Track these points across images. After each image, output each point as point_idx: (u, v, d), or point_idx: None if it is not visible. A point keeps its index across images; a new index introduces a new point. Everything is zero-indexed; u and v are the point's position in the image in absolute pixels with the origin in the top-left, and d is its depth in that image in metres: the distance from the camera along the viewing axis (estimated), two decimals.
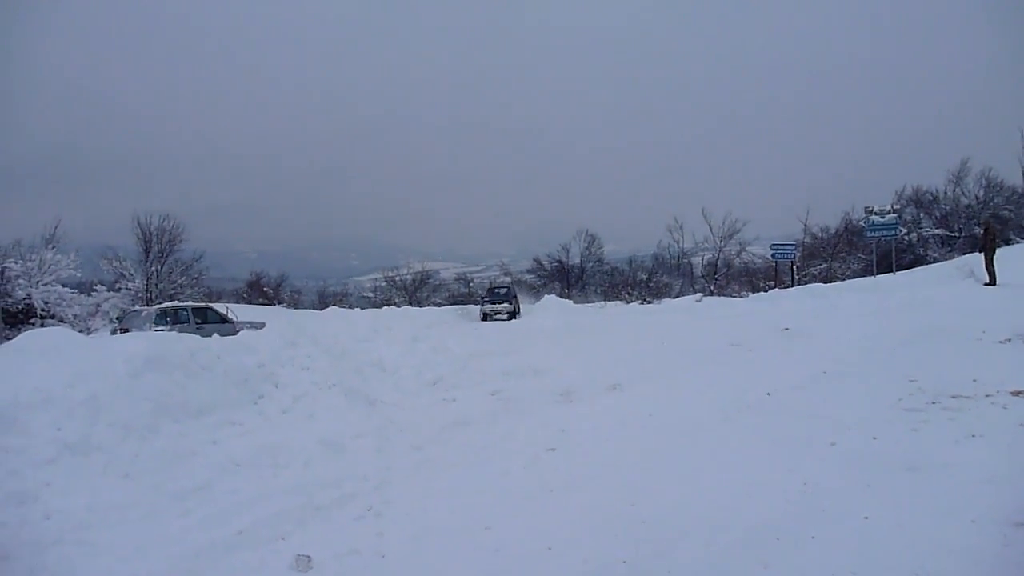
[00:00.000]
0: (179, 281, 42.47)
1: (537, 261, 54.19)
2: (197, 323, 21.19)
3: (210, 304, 26.04)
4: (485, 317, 29.60)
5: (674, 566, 4.05)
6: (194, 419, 7.40)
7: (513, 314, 30.14)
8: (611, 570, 4.07)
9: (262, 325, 13.72)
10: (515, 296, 32.64)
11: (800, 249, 42.78)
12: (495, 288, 36.19)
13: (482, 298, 32.77)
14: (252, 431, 7.44)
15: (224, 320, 22.65)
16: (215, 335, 9.65)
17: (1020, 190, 50.24)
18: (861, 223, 28.93)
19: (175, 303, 25.07)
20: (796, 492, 5.00)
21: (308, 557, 4.54)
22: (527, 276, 55.45)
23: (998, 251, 20.35)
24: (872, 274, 27.37)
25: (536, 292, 45.04)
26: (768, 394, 8.08)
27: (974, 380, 7.69)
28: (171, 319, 21.14)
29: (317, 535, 4.99)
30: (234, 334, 12.27)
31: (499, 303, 30.77)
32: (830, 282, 30.04)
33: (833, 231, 48.18)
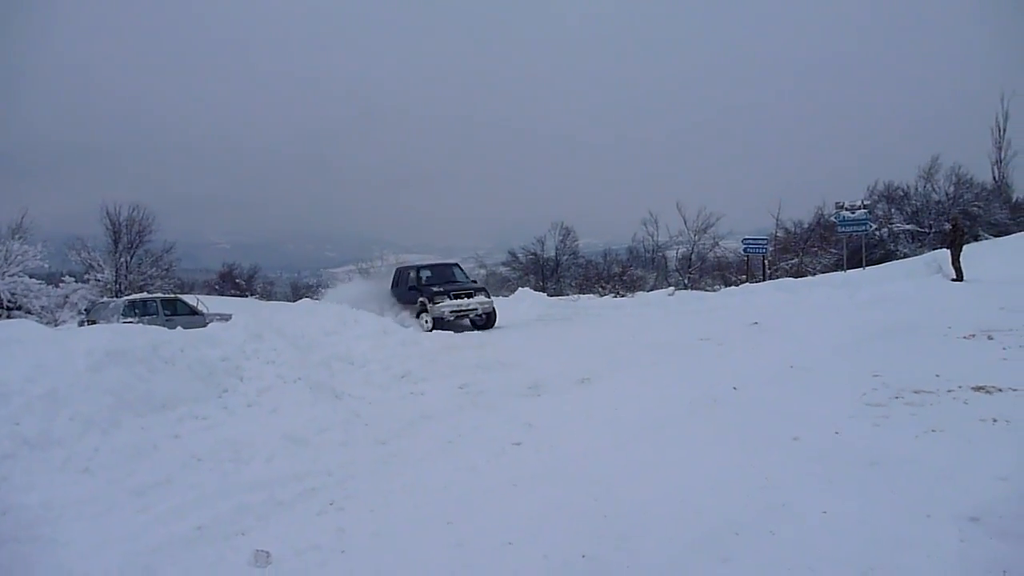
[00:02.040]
0: (149, 272, 42.07)
1: (512, 254, 54.06)
2: (166, 315, 21.03)
3: (180, 296, 25.77)
4: (437, 324, 18.07)
5: (634, 561, 4.05)
6: (156, 413, 7.31)
7: (489, 317, 19.33)
8: (571, 565, 4.06)
9: (229, 317, 13.59)
10: (484, 288, 20.63)
11: (772, 244, 43.09)
12: (440, 268, 21.50)
13: (414, 287, 20.09)
14: (215, 425, 7.35)
15: (194, 312, 22.49)
16: (179, 328, 9.51)
17: (989, 187, 51.01)
18: (832, 218, 29.18)
19: (144, 295, 24.77)
20: (758, 487, 5.02)
21: (267, 553, 4.49)
22: (502, 269, 55.43)
23: (966, 247, 20.62)
24: (842, 269, 27.62)
25: (511, 285, 44.90)
26: (735, 388, 8.12)
27: (937, 375, 7.77)
28: (140, 311, 20.96)
29: (278, 530, 4.92)
30: (204, 326, 12.15)
31: (461, 296, 18.93)
32: (801, 277, 30.31)
33: (805, 226, 48.55)
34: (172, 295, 26.28)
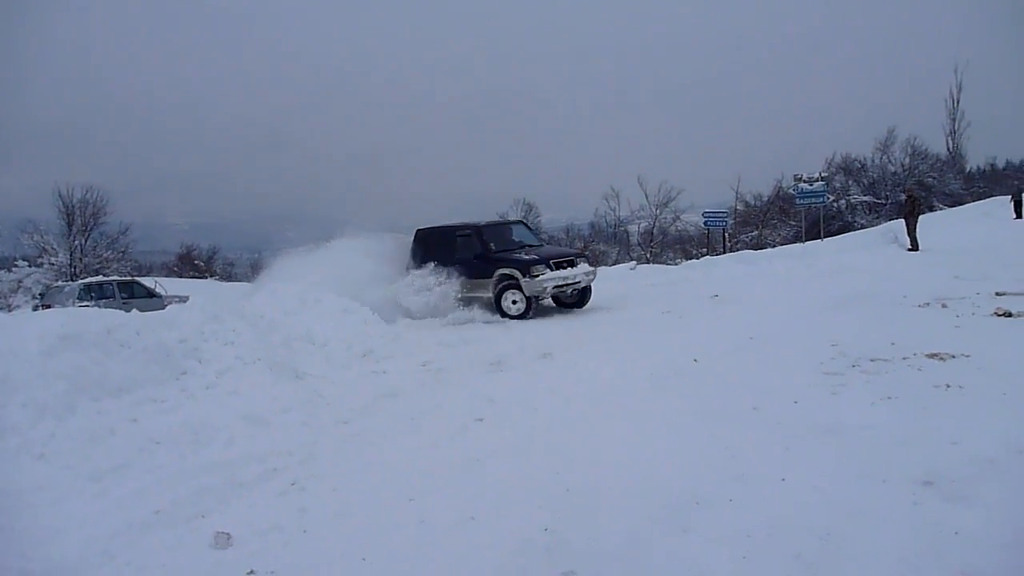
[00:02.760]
0: (105, 255, 41.33)
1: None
2: (123, 298, 20.72)
3: (137, 279, 25.37)
4: (529, 307, 13.69)
5: (595, 533, 4.08)
6: (113, 397, 7.18)
7: (585, 293, 14.98)
8: (533, 539, 4.07)
9: (187, 299, 13.41)
10: (585, 255, 17.28)
11: (733, 217, 43.47)
12: (505, 229, 15.99)
13: (482, 255, 14.46)
14: (174, 408, 7.24)
15: (152, 295, 22.19)
16: (135, 310, 9.34)
17: (943, 158, 51.94)
18: (791, 191, 29.47)
19: (100, 278, 24.36)
20: (718, 457, 5.07)
21: (228, 534, 4.44)
22: None
23: (921, 218, 20.99)
24: (802, 241, 27.95)
25: None
26: (695, 360, 8.18)
27: (893, 344, 7.90)
28: (96, 295, 20.65)
29: (239, 512, 4.88)
30: (162, 308, 11.97)
31: (563, 264, 14.18)
32: (761, 249, 30.63)
33: (765, 199, 49.07)
34: (129, 278, 25.90)
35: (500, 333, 11.65)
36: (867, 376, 6.83)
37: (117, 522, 4.77)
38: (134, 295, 21.46)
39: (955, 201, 45.30)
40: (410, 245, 15.56)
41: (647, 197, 50.40)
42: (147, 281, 24.95)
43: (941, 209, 41.27)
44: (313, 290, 11.32)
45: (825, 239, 27.15)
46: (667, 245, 49.71)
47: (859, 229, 35.61)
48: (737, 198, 49.79)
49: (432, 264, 14.63)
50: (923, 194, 39.78)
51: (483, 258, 14.36)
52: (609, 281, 21.16)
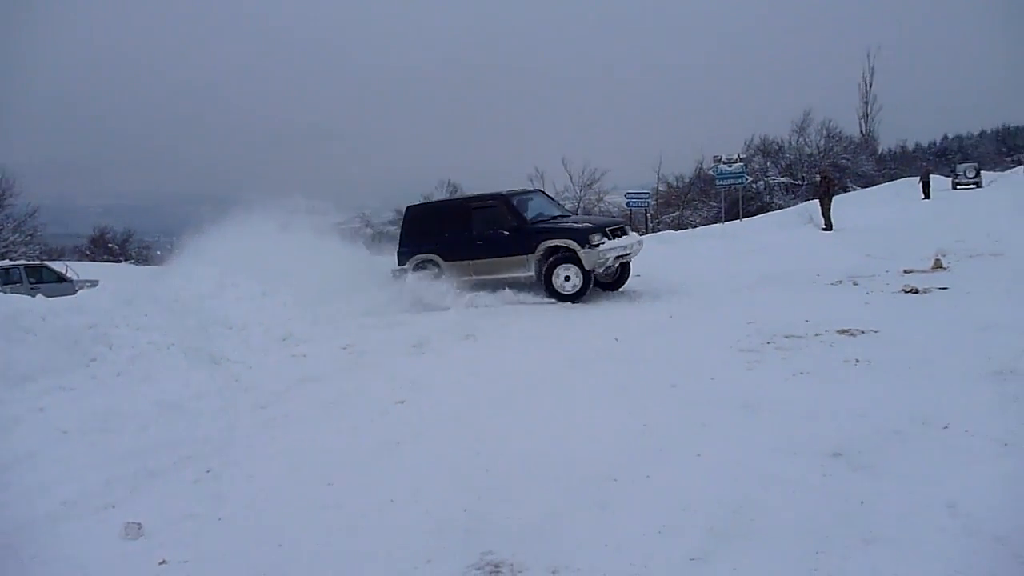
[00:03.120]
0: (11, 239, 39.65)
1: (400, 212, 53.42)
2: (31, 283, 19.95)
3: (46, 263, 24.46)
4: (587, 284, 11.63)
5: (514, 511, 4.09)
6: (17, 386, 6.91)
7: (626, 269, 12.91)
8: (452, 518, 4.06)
9: (97, 283, 12.98)
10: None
11: (655, 198, 44.06)
12: (528, 199, 13.42)
13: (518, 228, 12.32)
14: (83, 396, 6.99)
15: (62, 279, 21.42)
16: (40, 295, 9.00)
17: (857, 140, 53.55)
18: (711, 172, 29.98)
19: (6, 262, 23.40)
20: (636, 434, 5.14)
21: (138, 524, 4.31)
22: (390, 228, 54.74)
23: (835, 198, 21.63)
24: (722, 221, 28.50)
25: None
26: (616, 340, 8.28)
27: (806, 320, 8.12)
28: (1, 279, 19.83)
29: (151, 501, 4.75)
30: (73, 294, 11.56)
31: (616, 233, 12.34)
32: (682, 229, 31.15)
33: (687, 180, 49.90)
34: (37, 262, 24.94)
35: (422, 315, 11.50)
36: (781, 352, 7.02)
37: (22, 515, 4.60)
38: (43, 280, 20.68)
39: (868, 182, 46.80)
40: (401, 225, 13.76)
41: (571, 178, 50.90)
42: (57, 265, 24.12)
43: (854, 190, 42.60)
44: (231, 273, 11.01)
45: (744, 219, 27.74)
46: None
47: (777, 209, 36.51)
48: (659, 179, 50.58)
49: (433, 245, 12.81)
50: (837, 175, 41.01)
51: (518, 231, 12.23)
52: None
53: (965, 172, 37.88)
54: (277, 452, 5.56)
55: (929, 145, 76.39)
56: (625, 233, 12.60)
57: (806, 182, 44.91)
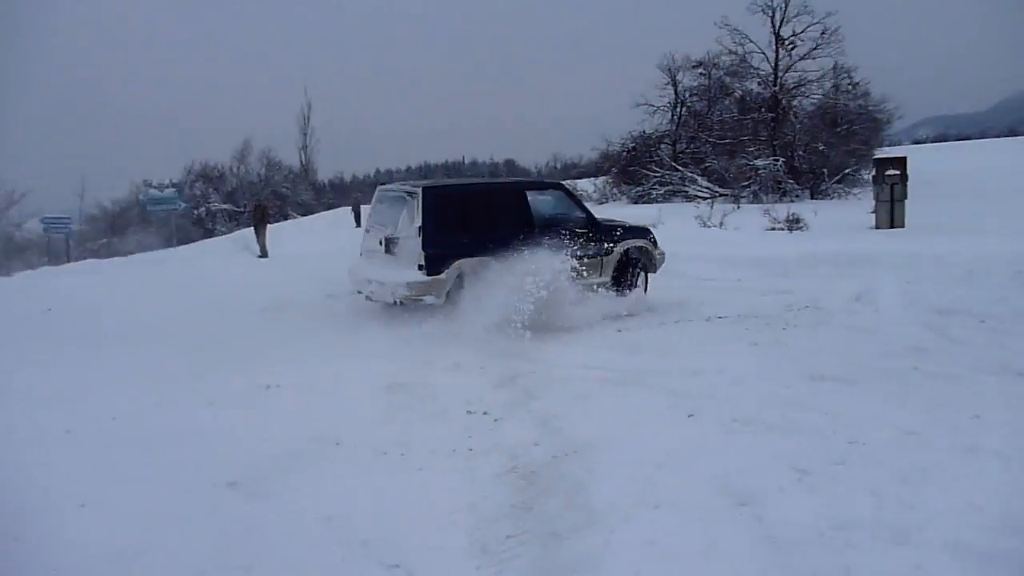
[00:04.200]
0: None
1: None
2: None
3: None
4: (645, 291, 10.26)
5: None
6: None
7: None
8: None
9: None
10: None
11: (81, 223, 40.64)
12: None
13: (565, 220, 9.69)
14: None
15: None
16: None
17: (296, 170, 56.03)
18: (141, 197, 28.49)
19: None
20: None
21: None
22: None
23: (274, 226, 22.11)
24: (170, 247, 27.25)
25: None
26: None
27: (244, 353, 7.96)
28: None
29: None
30: None
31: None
32: (114, 257, 28.98)
33: (124, 205, 47.14)
34: None
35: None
36: (194, 384, 6.64)
37: None
38: None
39: (307, 210, 48.99)
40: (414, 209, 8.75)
41: None
42: None
43: (295, 217, 44.19)
44: None
45: (182, 246, 26.83)
46: (10, 254, 43.85)
47: (220, 236, 36.15)
48: (82, 202, 46.67)
49: (482, 244, 8.75)
50: (278, 203, 42.15)
51: (596, 227, 9.85)
52: None
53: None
54: None
55: (364, 177, 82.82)
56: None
57: (248, 209, 45.38)
